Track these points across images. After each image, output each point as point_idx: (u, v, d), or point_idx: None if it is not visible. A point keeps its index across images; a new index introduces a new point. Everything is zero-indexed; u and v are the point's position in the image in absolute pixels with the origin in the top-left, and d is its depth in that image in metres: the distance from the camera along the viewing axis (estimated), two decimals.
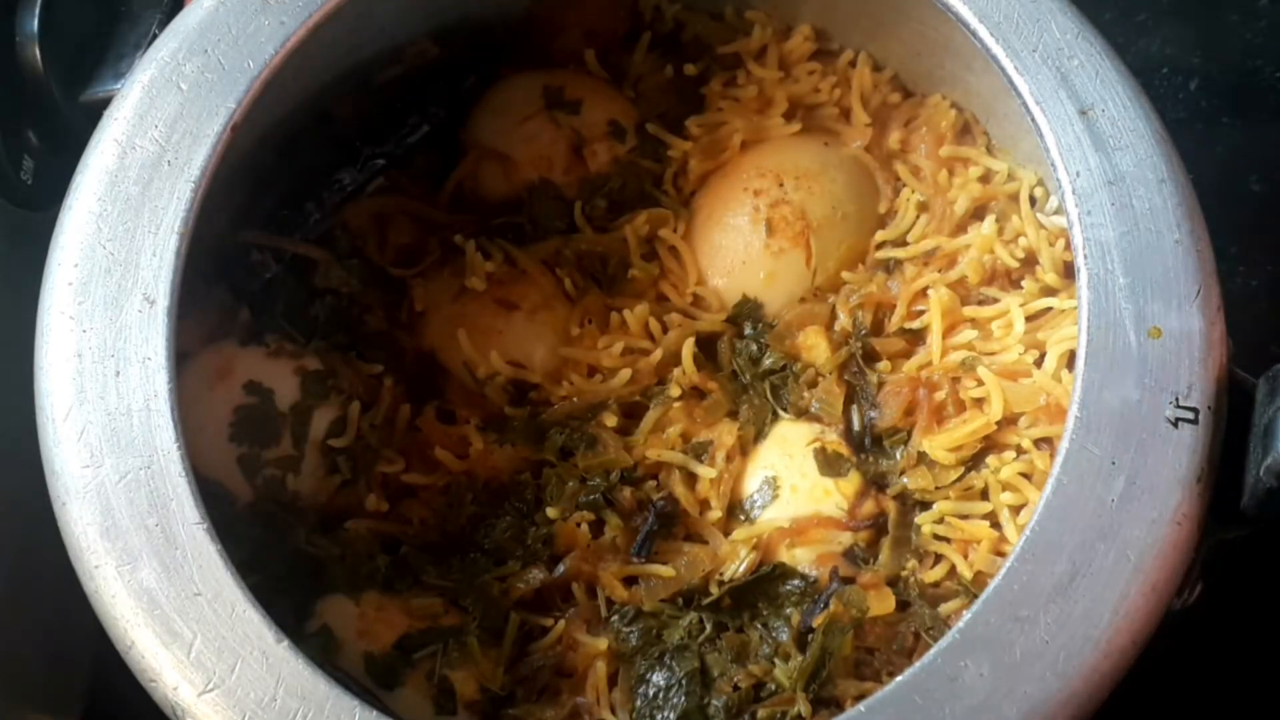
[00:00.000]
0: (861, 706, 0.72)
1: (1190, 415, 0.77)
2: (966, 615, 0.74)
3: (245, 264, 0.97)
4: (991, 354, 0.94)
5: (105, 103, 0.86)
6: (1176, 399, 0.77)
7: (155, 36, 0.93)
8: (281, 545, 0.90)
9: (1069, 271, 0.96)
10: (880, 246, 1.01)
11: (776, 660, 0.88)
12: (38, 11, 0.93)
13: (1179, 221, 0.81)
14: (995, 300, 0.97)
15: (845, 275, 0.99)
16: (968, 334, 0.95)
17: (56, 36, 0.94)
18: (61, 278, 0.80)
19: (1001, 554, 0.89)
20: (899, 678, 0.73)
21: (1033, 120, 0.84)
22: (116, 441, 0.76)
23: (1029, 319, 0.95)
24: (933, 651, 0.73)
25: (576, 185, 1.02)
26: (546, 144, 1.02)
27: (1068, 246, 0.96)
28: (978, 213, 1.00)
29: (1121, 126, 0.84)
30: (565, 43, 1.05)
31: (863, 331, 0.97)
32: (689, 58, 1.06)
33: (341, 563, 0.90)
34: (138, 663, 0.74)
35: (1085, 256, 0.80)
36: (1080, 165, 0.82)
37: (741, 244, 1.00)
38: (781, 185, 1.00)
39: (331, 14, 0.87)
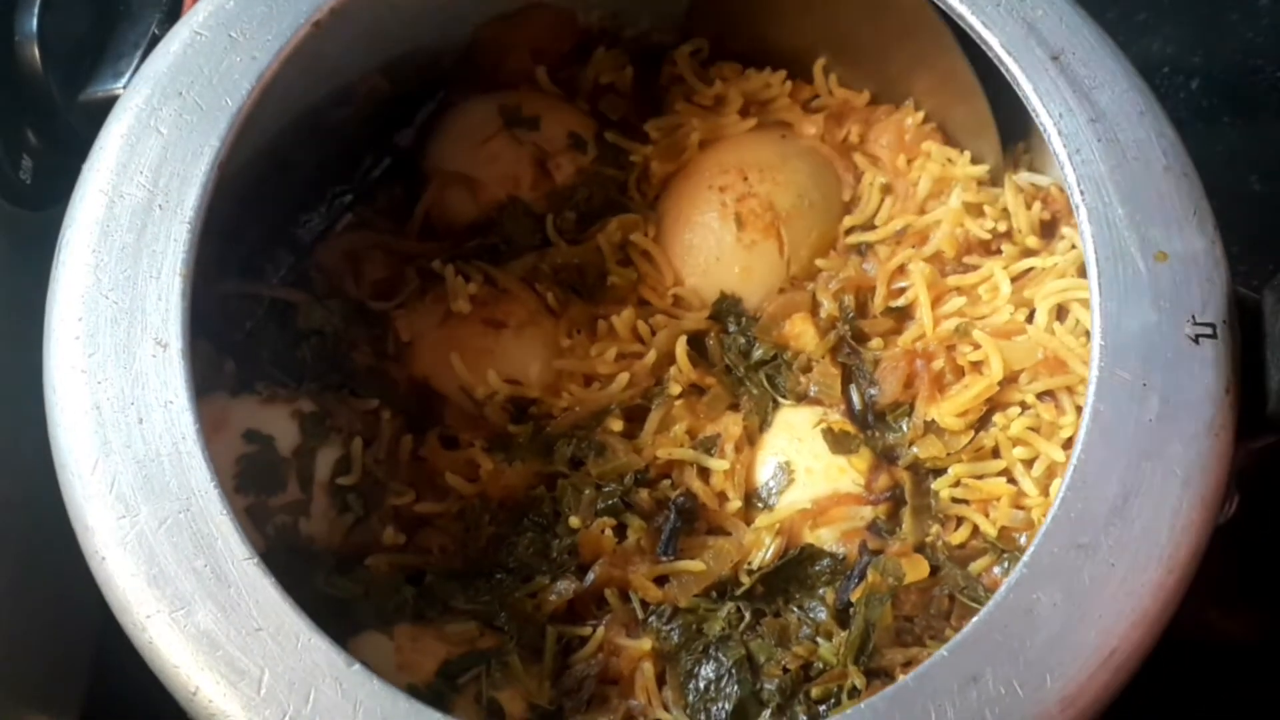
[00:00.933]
0: (944, 651, 0.72)
1: (1209, 330, 0.79)
2: (1030, 549, 0.74)
3: (225, 315, 0.95)
4: (982, 317, 0.96)
5: (105, 102, 0.85)
6: (1193, 316, 0.79)
7: (155, 36, 0.92)
8: (302, 591, 0.87)
9: (1046, 231, 0.98)
10: (850, 232, 1.02)
11: (819, 639, 0.88)
12: (36, 11, 0.92)
13: (1164, 149, 0.84)
14: (976, 267, 0.98)
15: (819, 263, 1.00)
16: (956, 301, 0.96)
17: (55, 36, 0.93)
18: (66, 332, 0.78)
19: (1022, 507, 0.90)
20: (976, 618, 0.73)
21: (1007, 71, 0.86)
22: (150, 488, 0.74)
23: (1013, 280, 0.96)
24: (1004, 588, 0.73)
25: (545, 200, 1.02)
26: (511, 162, 1.02)
27: (1045, 205, 0.98)
28: (938, 193, 1.01)
29: (1094, 67, 0.86)
30: (513, 64, 1.05)
31: (849, 314, 0.98)
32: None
33: (366, 600, 0.88)
34: (205, 708, 0.71)
35: (1082, 193, 0.82)
36: (1061, 107, 0.84)
37: (713, 241, 1.00)
38: (746, 179, 1.01)
39: (296, 48, 0.86)
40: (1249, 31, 1.27)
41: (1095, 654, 0.72)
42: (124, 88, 0.93)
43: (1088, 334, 0.91)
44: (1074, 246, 0.95)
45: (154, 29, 0.96)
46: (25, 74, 0.94)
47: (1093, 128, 0.84)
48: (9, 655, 0.93)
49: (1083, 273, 0.89)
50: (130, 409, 0.76)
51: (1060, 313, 0.94)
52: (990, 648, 0.72)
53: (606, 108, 1.06)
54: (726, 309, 1.00)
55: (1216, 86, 1.26)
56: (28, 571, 0.91)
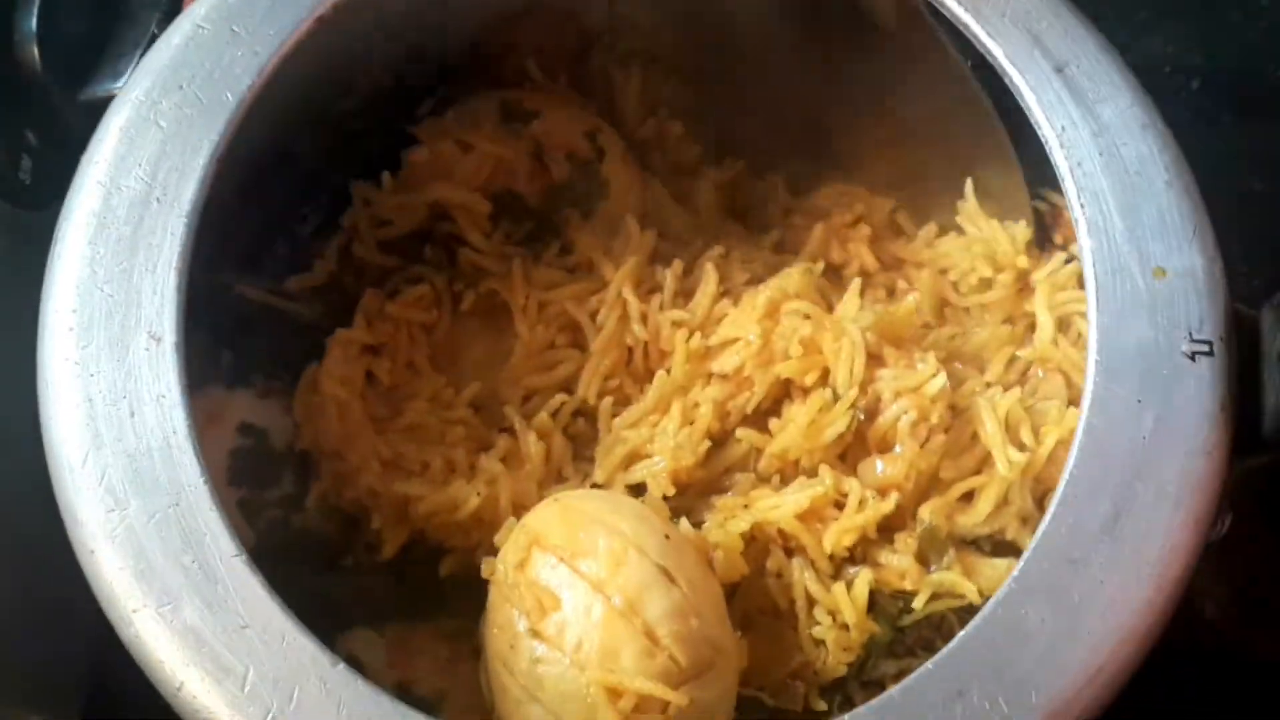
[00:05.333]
0: (930, 665, 0.72)
1: (1205, 348, 0.78)
2: (1019, 564, 0.74)
3: (222, 306, 0.95)
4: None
5: (105, 102, 0.85)
6: (1190, 334, 0.78)
7: (154, 35, 0.92)
8: (293, 586, 0.87)
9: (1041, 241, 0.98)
10: None
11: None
12: (36, 10, 0.92)
13: (1166, 165, 0.83)
14: None
15: None
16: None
17: (55, 35, 0.93)
18: (61, 324, 0.78)
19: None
20: (964, 631, 0.73)
21: (1011, 82, 0.86)
22: (140, 482, 0.74)
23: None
24: (991, 603, 0.73)
25: (542, 194, 1.01)
26: (509, 156, 1.00)
27: (1057, 227, 0.97)
28: None
29: (1098, 80, 0.85)
30: (515, 62, 1.04)
31: None
32: None
33: (357, 596, 0.89)
34: (189, 704, 0.71)
35: (1082, 206, 0.82)
36: (1064, 120, 0.84)
37: None
38: None
39: (299, 43, 0.86)
40: (1250, 31, 1.27)
41: (1082, 671, 0.72)
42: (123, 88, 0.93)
43: None
44: (1070, 259, 0.95)
45: (153, 28, 0.96)
46: (25, 74, 0.93)
47: (1095, 141, 0.83)
48: (9, 655, 0.93)
49: (1082, 285, 0.89)
50: (122, 402, 0.76)
51: (1062, 325, 0.94)
52: (977, 663, 0.72)
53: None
54: None
55: (1217, 86, 1.26)
56: (27, 571, 0.91)
